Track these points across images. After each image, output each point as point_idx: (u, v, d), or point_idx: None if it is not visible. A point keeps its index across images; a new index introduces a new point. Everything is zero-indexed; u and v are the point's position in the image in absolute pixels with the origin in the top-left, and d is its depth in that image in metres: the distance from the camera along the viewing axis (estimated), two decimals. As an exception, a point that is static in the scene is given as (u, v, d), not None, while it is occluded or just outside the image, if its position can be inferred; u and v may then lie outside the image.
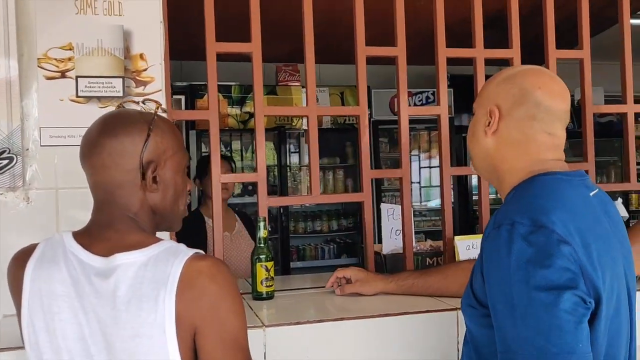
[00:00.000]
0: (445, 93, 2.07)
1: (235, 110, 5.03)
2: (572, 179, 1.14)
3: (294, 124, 5.29)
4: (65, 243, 1.09)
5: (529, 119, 1.16)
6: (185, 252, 1.06)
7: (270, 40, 3.95)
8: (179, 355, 1.01)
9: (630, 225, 1.79)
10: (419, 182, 5.84)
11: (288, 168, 5.39)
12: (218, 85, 5.53)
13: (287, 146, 5.41)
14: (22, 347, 1.11)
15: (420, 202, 5.82)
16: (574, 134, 2.18)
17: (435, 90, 5.55)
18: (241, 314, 1.07)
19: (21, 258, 1.10)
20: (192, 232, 2.58)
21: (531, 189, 1.13)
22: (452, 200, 5.73)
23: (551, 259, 0.98)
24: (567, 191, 1.11)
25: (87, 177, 1.13)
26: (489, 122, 1.19)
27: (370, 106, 5.44)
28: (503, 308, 1.02)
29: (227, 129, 5.02)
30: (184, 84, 4.87)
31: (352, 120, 5.35)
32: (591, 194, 1.15)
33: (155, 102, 1.21)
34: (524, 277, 0.99)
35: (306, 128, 5.45)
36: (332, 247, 5.48)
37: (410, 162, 5.87)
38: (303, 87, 5.22)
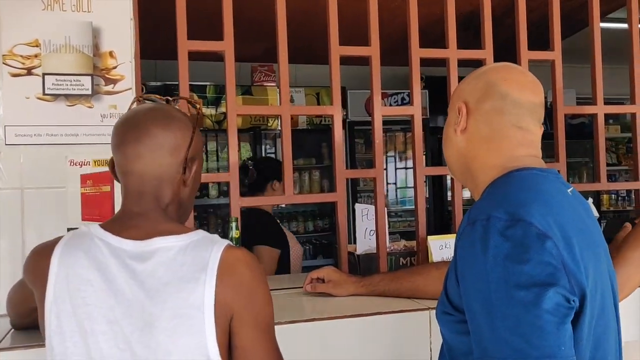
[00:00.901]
0: (418, 93, 2.08)
1: (210, 111, 4.99)
2: (548, 175, 1.09)
3: (269, 124, 5.27)
4: (92, 231, 1.10)
5: (496, 113, 1.12)
6: (221, 241, 1.10)
7: (245, 40, 3.94)
8: (215, 338, 1.03)
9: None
10: (395, 183, 5.86)
11: (263, 170, 5.37)
12: (193, 85, 5.45)
13: (263, 147, 5.38)
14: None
15: (397, 202, 5.84)
16: (547, 135, 2.19)
17: (407, 91, 5.58)
18: (271, 300, 1.13)
19: (46, 250, 1.10)
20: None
21: (507, 184, 1.07)
22: (427, 200, 5.80)
23: (530, 253, 0.92)
24: (544, 185, 1.05)
25: (121, 165, 1.13)
26: (458, 120, 1.16)
27: (345, 107, 5.46)
28: (480, 308, 0.95)
29: (202, 129, 4.97)
30: (159, 83, 4.82)
31: (328, 121, 5.34)
32: (568, 190, 1.10)
33: (196, 102, 1.23)
34: (502, 274, 0.92)
35: (280, 128, 5.48)
36: (308, 248, 5.47)
37: (387, 163, 5.92)
38: (279, 87, 5.21)
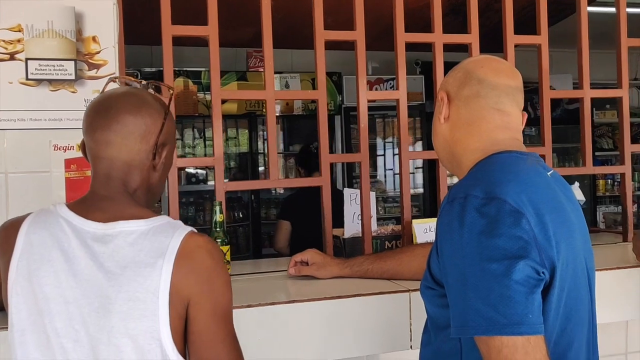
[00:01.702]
0: (404, 78, 2.08)
1: (206, 97, 5.00)
2: (527, 157, 1.15)
3: (264, 110, 5.27)
4: (58, 211, 1.11)
5: (474, 97, 1.18)
6: (184, 228, 1.11)
7: (239, 25, 3.94)
8: (168, 323, 1.04)
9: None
10: (392, 169, 5.87)
11: (261, 155, 5.38)
12: (188, 70, 5.45)
13: (259, 133, 5.39)
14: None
15: (394, 188, 5.86)
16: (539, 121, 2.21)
17: (407, 76, 5.57)
18: (231, 290, 1.13)
19: (15, 225, 1.12)
20: None
21: (487, 165, 1.13)
22: (423, 186, 5.80)
23: (502, 228, 0.97)
24: (522, 166, 1.11)
25: (91, 149, 1.14)
26: (441, 110, 1.22)
27: (341, 92, 5.47)
28: (455, 281, 1.02)
29: (197, 115, 4.99)
30: (154, 69, 4.82)
31: (324, 106, 5.36)
32: (548, 173, 1.15)
33: (169, 86, 1.24)
34: (476, 249, 0.98)
35: (277, 114, 5.47)
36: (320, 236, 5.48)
37: (384, 149, 5.89)
38: (274, 73, 5.20)
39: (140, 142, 1.12)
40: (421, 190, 5.87)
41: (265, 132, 5.54)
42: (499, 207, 0.99)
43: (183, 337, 1.07)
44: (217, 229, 1.76)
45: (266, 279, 1.86)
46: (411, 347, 1.62)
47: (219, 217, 1.76)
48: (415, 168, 5.94)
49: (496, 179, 1.05)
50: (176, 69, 5.04)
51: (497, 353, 0.96)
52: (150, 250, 1.06)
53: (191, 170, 5.37)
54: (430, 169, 5.51)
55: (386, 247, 2.07)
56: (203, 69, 4.91)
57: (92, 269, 1.05)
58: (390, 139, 5.81)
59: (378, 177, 5.90)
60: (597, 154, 5.90)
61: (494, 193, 1.01)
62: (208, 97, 5.04)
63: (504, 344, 0.95)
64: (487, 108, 1.18)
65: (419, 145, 5.68)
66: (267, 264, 2.25)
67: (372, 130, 5.84)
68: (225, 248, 1.75)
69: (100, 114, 1.12)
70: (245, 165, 5.53)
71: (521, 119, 1.23)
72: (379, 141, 5.81)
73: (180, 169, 5.29)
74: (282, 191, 5.74)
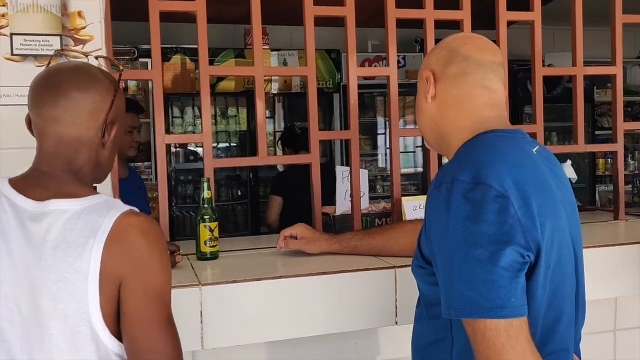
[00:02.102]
0: (394, 54, 2.06)
1: (203, 74, 4.97)
2: (514, 135, 1.16)
3: (264, 88, 5.25)
4: (0, 188, 1.10)
5: (461, 75, 1.18)
6: (121, 207, 1.08)
7: (232, 1, 3.89)
8: (99, 304, 1.03)
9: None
10: (390, 148, 5.85)
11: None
12: (185, 47, 5.43)
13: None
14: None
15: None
16: (549, 99, 2.19)
17: (405, 54, 5.52)
18: (167, 270, 1.10)
19: None
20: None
21: (473, 146, 1.14)
22: (423, 165, 5.76)
23: (487, 214, 0.99)
24: (507, 146, 1.11)
25: (37, 125, 1.12)
26: (427, 88, 1.22)
27: (340, 70, 5.44)
28: (442, 264, 1.04)
29: (195, 92, 4.97)
30: (149, 46, 4.78)
31: (322, 84, 5.32)
32: (534, 149, 1.16)
33: (118, 63, 1.21)
34: (461, 234, 1.00)
35: (275, 92, 5.46)
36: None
37: (385, 127, 5.87)
38: (273, 49, 5.17)
39: (89, 119, 1.11)
40: (421, 169, 5.87)
41: (267, 111, 5.53)
42: (484, 192, 1.00)
43: (117, 319, 1.06)
44: (205, 206, 1.76)
45: (257, 255, 1.87)
46: (396, 322, 1.63)
47: (206, 193, 1.76)
48: (416, 147, 5.92)
49: (482, 161, 1.06)
50: (173, 46, 5.03)
51: (481, 335, 0.99)
52: (82, 230, 1.04)
53: (191, 148, 5.37)
54: (430, 147, 5.48)
55: (376, 224, 2.08)
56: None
57: (25, 249, 1.04)
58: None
59: (379, 155, 5.89)
60: (597, 132, 5.87)
61: (479, 177, 1.02)
62: (206, 74, 5.01)
63: (487, 326, 0.98)
64: (475, 85, 1.18)
65: (419, 124, 5.65)
66: (260, 240, 2.26)
67: (371, 108, 5.81)
68: (214, 224, 1.76)
69: (48, 89, 1.09)
70: (244, 143, 5.52)
71: (505, 94, 1.23)
72: (380, 119, 5.79)
73: (181, 146, 5.30)
74: (281, 169, 5.73)
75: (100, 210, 1.06)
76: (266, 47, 5.11)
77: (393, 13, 2.03)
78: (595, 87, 6.00)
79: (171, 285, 1.11)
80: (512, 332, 0.98)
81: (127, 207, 1.09)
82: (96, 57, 1.20)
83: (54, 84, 1.09)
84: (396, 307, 1.63)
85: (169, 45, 4.87)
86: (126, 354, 1.06)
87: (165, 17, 1.85)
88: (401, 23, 2.07)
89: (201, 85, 1.89)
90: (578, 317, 1.19)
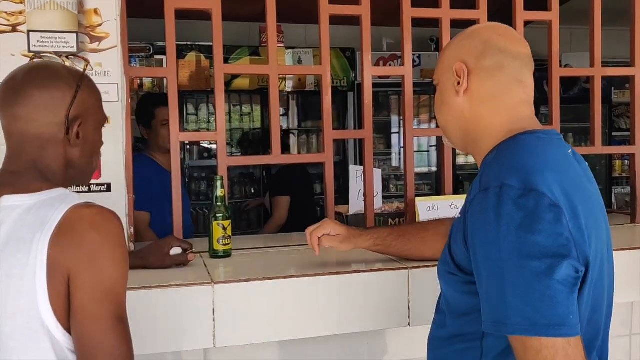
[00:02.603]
0: (409, 54, 2.05)
1: (218, 72, 4.98)
2: (551, 137, 1.10)
3: (279, 86, 5.25)
4: None
5: (498, 68, 1.11)
6: (74, 200, 1.05)
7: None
8: (48, 300, 1.00)
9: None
10: (404, 148, 5.83)
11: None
12: (201, 45, 5.44)
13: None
14: None
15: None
16: (568, 100, 2.17)
17: (420, 53, 5.49)
18: (121, 266, 1.05)
19: None
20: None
21: (515, 149, 1.07)
22: (437, 164, 5.74)
23: (542, 223, 0.93)
24: (551, 150, 1.06)
25: (2, 124, 1.12)
26: (458, 82, 1.12)
27: (354, 69, 5.42)
28: (490, 276, 0.97)
29: (209, 89, 4.98)
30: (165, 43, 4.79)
31: (336, 82, 5.31)
32: (569, 151, 1.11)
33: (84, 59, 1.21)
34: (514, 244, 0.93)
35: (289, 90, 5.46)
36: (315, 210, 5.50)
37: (399, 127, 5.85)
38: (287, 48, 5.17)
39: (48, 115, 1.09)
40: (435, 169, 5.84)
41: (281, 109, 5.53)
42: (537, 200, 0.94)
43: (69, 315, 1.02)
44: (219, 204, 1.76)
45: (269, 254, 1.87)
46: (409, 324, 1.62)
47: (220, 192, 1.77)
48: (430, 146, 5.89)
49: (529, 166, 1.00)
50: (189, 43, 5.04)
51: (535, 354, 0.93)
52: (32, 225, 1.01)
53: (205, 145, 5.39)
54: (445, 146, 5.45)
55: (389, 224, 2.07)
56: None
57: None
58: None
59: (393, 154, 5.87)
60: (614, 134, 5.80)
61: (530, 183, 0.96)
62: (221, 72, 5.02)
63: (543, 345, 0.92)
64: (512, 80, 1.11)
65: (434, 124, 5.63)
66: (273, 239, 2.26)
67: (386, 107, 5.79)
68: (227, 223, 1.76)
69: (8, 89, 1.09)
70: (258, 141, 5.52)
71: (533, 88, 1.17)
72: (394, 118, 5.76)
73: (193, 144, 5.32)
74: (275, 171, 5.71)
75: (52, 204, 1.04)
76: (281, 45, 5.10)
77: (409, 12, 2.02)
78: (612, 88, 5.93)
79: (126, 283, 1.06)
80: (570, 352, 0.92)
81: (82, 200, 1.06)
82: (67, 56, 1.18)
83: (13, 85, 1.10)
84: (409, 309, 1.62)
85: (184, 43, 4.88)
86: (75, 352, 1.03)
87: (181, 14, 1.85)
88: (416, 22, 2.06)
89: (215, 83, 1.89)
90: (606, 330, 1.14)
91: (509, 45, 1.12)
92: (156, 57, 4.84)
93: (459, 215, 1.12)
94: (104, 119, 1.20)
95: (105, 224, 1.03)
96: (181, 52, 4.87)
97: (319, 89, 5.50)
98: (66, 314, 1.02)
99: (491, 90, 1.11)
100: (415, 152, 5.82)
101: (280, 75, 5.30)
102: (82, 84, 1.13)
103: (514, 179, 0.97)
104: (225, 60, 5.12)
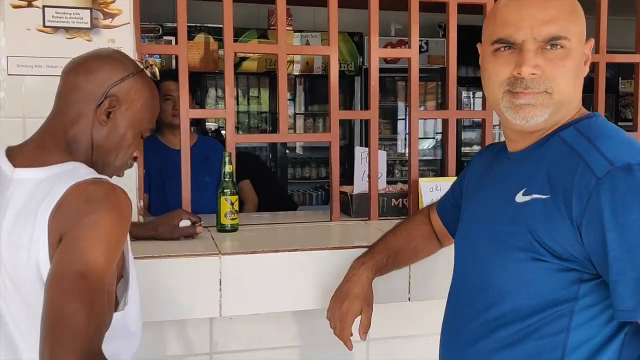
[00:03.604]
0: (416, 37, 2.08)
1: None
2: None
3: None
4: None
5: (582, 55, 1.12)
6: (82, 175, 1.06)
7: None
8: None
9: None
10: (409, 128, 5.85)
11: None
12: (210, 27, 5.45)
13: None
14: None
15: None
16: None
17: (428, 39, 5.48)
18: (101, 231, 1.00)
19: None
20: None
21: (605, 128, 1.07)
22: (441, 146, 5.75)
23: None
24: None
25: (57, 90, 1.17)
26: (586, 60, 1.11)
27: (362, 53, 5.44)
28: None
29: (217, 71, 5.00)
30: (175, 25, 4.82)
31: (344, 67, 5.33)
32: None
33: (154, 63, 1.23)
34: None
35: (297, 73, 5.49)
36: (320, 193, 5.55)
37: (406, 112, 5.87)
38: (296, 31, 5.18)
39: (93, 85, 1.13)
40: (440, 157, 5.87)
41: (289, 93, 5.55)
42: None
43: None
44: (227, 179, 1.80)
45: (275, 229, 1.93)
46: (409, 299, 1.67)
47: (227, 167, 1.81)
48: (436, 133, 5.92)
49: (639, 146, 1.01)
50: (197, 24, 5.07)
51: None
52: (39, 199, 1.03)
53: (210, 125, 5.39)
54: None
55: (392, 204, 2.11)
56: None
57: None
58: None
59: (399, 141, 5.90)
60: (620, 124, 5.79)
61: None
62: (229, 54, 5.03)
63: None
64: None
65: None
66: (278, 216, 2.31)
67: (392, 92, 5.81)
68: (234, 198, 1.81)
69: (76, 59, 1.18)
70: (266, 124, 5.57)
71: None
72: (400, 105, 5.79)
73: (195, 124, 5.33)
74: (300, 152, 5.77)
75: (60, 178, 1.05)
76: (289, 28, 5.11)
77: (416, -4, 2.05)
78: (620, 78, 5.93)
79: (109, 251, 1.02)
80: None
81: (90, 176, 1.07)
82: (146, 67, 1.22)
83: (83, 55, 1.18)
84: (409, 284, 1.67)
85: (193, 24, 4.91)
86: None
87: None
88: (425, 7, 2.07)
89: (225, 61, 1.93)
90: None
91: None
92: (165, 37, 4.88)
93: (545, 196, 1.02)
94: (146, 124, 1.21)
95: (103, 196, 1.03)
96: (190, 34, 4.89)
97: (326, 72, 5.52)
98: None
99: (580, 76, 1.11)
100: (421, 138, 5.90)
101: (288, 58, 5.32)
102: (137, 75, 1.17)
103: None
104: (234, 42, 5.15)
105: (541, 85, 1.06)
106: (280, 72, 1.97)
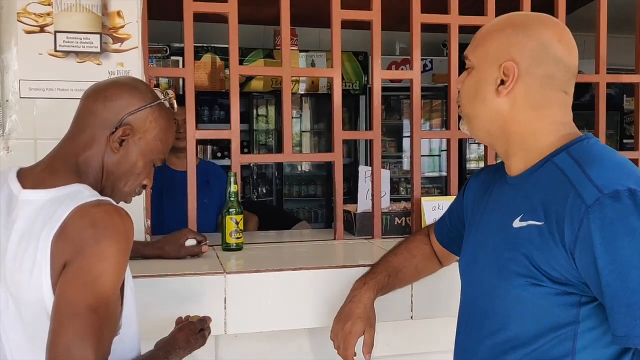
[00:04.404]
0: (418, 59, 2.12)
1: (233, 73, 5.06)
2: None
3: (291, 88, 5.32)
4: (8, 174, 1.14)
5: (549, 79, 1.08)
6: (85, 197, 1.05)
7: (261, 3, 3.99)
8: (52, 294, 1.01)
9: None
10: (411, 147, 5.88)
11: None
12: (216, 47, 5.53)
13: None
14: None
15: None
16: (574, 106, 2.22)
17: (432, 58, 5.53)
18: (111, 260, 1.01)
19: None
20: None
21: (595, 152, 1.06)
22: (446, 167, 5.74)
23: None
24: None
25: (76, 114, 1.19)
26: (503, 81, 1.09)
27: (367, 72, 5.50)
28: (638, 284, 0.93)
29: (223, 91, 5.07)
30: (182, 45, 4.88)
31: (349, 85, 5.39)
32: None
33: (170, 92, 1.25)
34: None
35: (302, 92, 5.55)
36: (324, 211, 5.58)
37: (403, 130, 5.88)
38: (301, 51, 5.26)
39: (109, 112, 1.14)
40: (445, 173, 5.89)
41: (294, 112, 5.61)
42: None
43: None
44: (232, 199, 1.84)
45: (280, 248, 1.95)
46: (412, 317, 1.69)
47: (233, 187, 1.84)
48: (441, 150, 5.95)
49: (631, 169, 1.01)
50: (204, 44, 5.15)
51: None
52: (42, 221, 1.03)
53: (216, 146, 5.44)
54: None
55: (395, 223, 2.13)
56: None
57: (2, 237, 1.08)
58: (408, 121, 5.82)
59: (404, 158, 5.93)
60: (625, 141, 5.82)
61: None
62: (235, 73, 5.09)
63: None
64: (559, 91, 1.09)
65: (446, 128, 5.68)
66: (283, 235, 2.33)
67: (397, 111, 5.86)
68: (239, 217, 1.84)
69: (96, 85, 1.19)
70: (272, 142, 5.62)
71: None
72: (406, 122, 5.83)
73: (201, 143, 5.38)
74: (307, 169, 5.81)
75: (63, 201, 1.04)
76: (294, 48, 5.19)
77: (418, 18, 2.09)
78: (625, 95, 5.95)
79: (115, 279, 1.03)
80: None
81: (94, 198, 1.06)
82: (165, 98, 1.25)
83: (102, 82, 1.20)
84: (412, 302, 1.69)
85: (200, 44, 4.99)
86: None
87: (198, 16, 1.93)
88: (430, 27, 2.12)
89: (231, 83, 1.97)
90: None
91: (566, 55, 1.08)
92: (172, 57, 4.95)
93: (540, 223, 1.03)
94: (158, 154, 1.21)
95: (107, 221, 1.02)
96: (197, 54, 4.98)
97: (331, 91, 5.59)
98: None
99: (537, 101, 1.08)
100: (425, 156, 5.93)
101: (294, 78, 5.38)
102: (155, 105, 1.18)
103: (631, 181, 0.96)
104: (240, 62, 5.19)
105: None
106: (284, 94, 2.01)
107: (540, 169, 1.11)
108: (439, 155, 6.00)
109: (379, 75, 2.08)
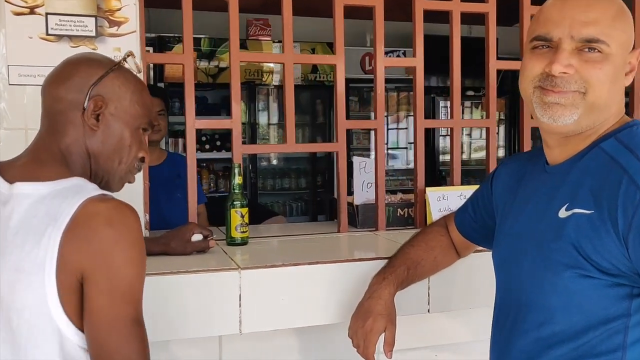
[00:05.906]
0: (421, 46, 2.07)
1: (204, 64, 4.94)
2: None
3: (264, 79, 5.21)
4: None
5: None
6: (90, 192, 1.01)
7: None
8: (58, 298, 0.97)
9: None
10: (387, 143, 5.88)
11: (257, 126, 5.34)
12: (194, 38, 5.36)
13: (257, 104, 5.34)
14: None
15: (387, 162, 5.87)
16: None
17: (407, 49, 5.53)
18: (138, 264, 1.01)
19: None
20: None
21: None
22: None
23: None
24: None
25: (42, 106, 1.12)
26: (631, 69, 1.08)
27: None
28: None
29: (195, 82, 4.91)
30: (152, 35, 4.69)
31: (323, 77, 5.31)
32: None
33: (130, 53, 1.17)
34: None
35: (276, 84, 5.44)
36: (300, 204, 5.51)
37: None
38: (274, 41, 5.14)
39: (74, 91, 1.07)
40: (423, 156, 5.89)
41: (262, 103, 5.49)
42: None
43: (81, 313, 0.99)
44: (236, 191, 1.76)
45: (286, 242, 1.89)
46: (428, 310, 1.65)
47: (237, 179, 1.76)
48: (409, 143, 5.96)
49: None
50: (175, 35, 4.97)
51: None
52: (44, 216, 0.97)
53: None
54: (427, 142, 5.50)
55: (398, 214, 2.09)
56: (203, 36, 4.81)
57: None
58: (384, 113, 5.80)
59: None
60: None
61: None
62: (206, 64, 4.96)
63: None
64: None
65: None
66: (288, 228, 2.27)
67: (365, 102, 5.82)
68: (244, 210, 1.76)
69: (53, 70, 1.13)
70: (244, 135, 5.51)
71: None
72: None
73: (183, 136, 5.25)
74: (275, 163, 5.71)
75: (66, 196, 0.99)
76: (267, 38, 5.07)
77: (421, 4, 2.05)
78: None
79: (142, 283, 1.02)
80: None
81: (97, 192, 1.02)
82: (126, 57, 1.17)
83: (58, 66, 1.13)
84: (428, 295, 1.65)
85: (172, 35, 4.78)
86: (89, 355, 0.99)
87: (169, 2, 1.82)
88: (407, 15, 2.07)
89: (231, 72, 1.89)
90: None
91: None
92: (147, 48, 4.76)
93: (589, 211, 1.00)
94: (140, 120, 1.13)
95: (122, 220, 0.99)
96: (167, 44, 4.80)
97: (305, 83, 5.53)
98: (78, 313, 0.98)
99: (620, 88, 1.08)
100: (395, 148, 5.93)
101: (268, 69, 5.27)
102: (116, 70, 1.11)
103: None
104: (213, 54, 5.09)
105: (572, 84, 1.03)
106: (287, 83, 1.94)
107: (586, 156, 1.08)
108: (406, 148, 6.00)
109: (382, 63, 2.02)
